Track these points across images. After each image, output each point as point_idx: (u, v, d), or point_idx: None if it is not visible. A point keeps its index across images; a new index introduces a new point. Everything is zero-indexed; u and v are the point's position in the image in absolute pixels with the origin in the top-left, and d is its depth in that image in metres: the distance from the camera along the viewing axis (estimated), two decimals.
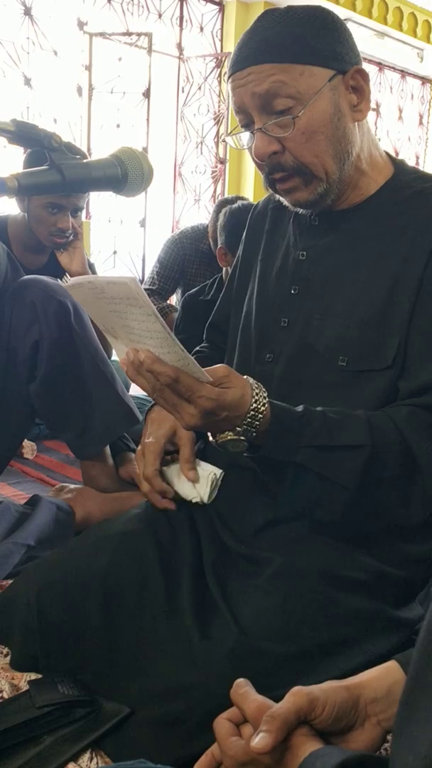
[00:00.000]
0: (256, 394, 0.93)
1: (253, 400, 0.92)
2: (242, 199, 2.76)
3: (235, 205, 2.40)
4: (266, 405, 0.94)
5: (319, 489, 0.97)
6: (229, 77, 1.02)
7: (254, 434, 0.94)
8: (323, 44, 0.98)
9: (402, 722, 0.53)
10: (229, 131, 6.40)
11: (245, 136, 1.07)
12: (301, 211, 1.09)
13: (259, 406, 0.93)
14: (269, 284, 1.16)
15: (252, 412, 0.92)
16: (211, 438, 0.98)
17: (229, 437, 0.94)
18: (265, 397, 0.94)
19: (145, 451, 1.17)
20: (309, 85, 0.98)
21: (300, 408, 0.97)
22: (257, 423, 0.93)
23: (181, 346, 0.86)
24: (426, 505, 0.98)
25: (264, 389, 0.95)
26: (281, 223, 1.19)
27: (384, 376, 1.01)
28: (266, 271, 1.17)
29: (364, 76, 1.02)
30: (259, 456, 0.97)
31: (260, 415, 0.93)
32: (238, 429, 0.93)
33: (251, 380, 0.94)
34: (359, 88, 1.02)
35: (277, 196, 1.11)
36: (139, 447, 1.20)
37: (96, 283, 0.89)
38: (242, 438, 0.94)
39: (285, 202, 1.09)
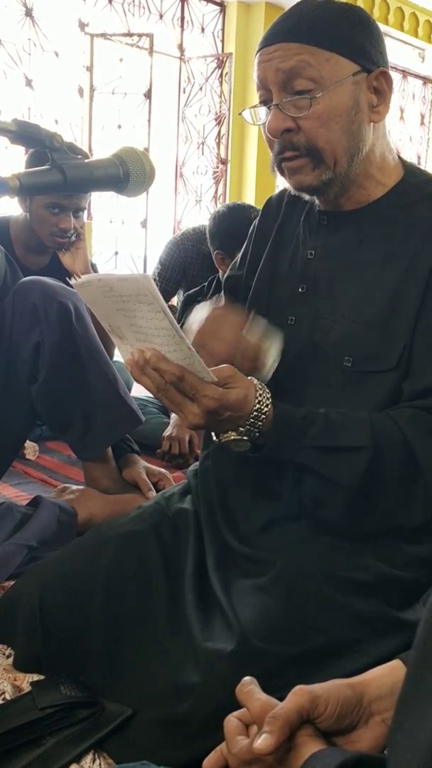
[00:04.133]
0: (260, 395, 0.94)
1: (257, 401, 0.93)
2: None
3: (221, 209, 2.38)
4: (269, 406, 0.94)
5: (320, 489, 0.98)
6: (257, 52, 1.02)
7: (257, 434, 0.95)
8: (354, 38, 0.99)
9: (400, 719, 0.53)
10: (230, 132, 6.41)
11: (262, 112, 1.06)
12: (306, 197, 1.08)
13: (262, 407, 0.94)
14: (277, 282, 1.15)
15: (255, 413, 0.93)
16: (214, 437, 0.98)
17: (232, 437, 0.95)
18: (268, 398, 0.95)
19: None
20: (333, 72, 0.98)
21: (303, 409, 0.97)
22: (260, 423, 0.94)
23: (188, 343, 0.86)
24: (427, 506, 0.97)
25: (268, 390, 0.95)
26: (292, 220, 1.19)
27: (388, 377, 1.01)
28: (274, 267, 1.17)
29: (388, 80, 1.03)
30: (261, 455, 0.97)
31: (263, 416, 0.94)
32: (241, 429, 0.94)
33: (255, 381, 0.95)
34: (381, 91, 1.03)
35: (291, 192, 1.10)
36: None
37: (106, 281, 0.89)
38: (245, 438, 0.95)
39: (287, 184, 1.08)
